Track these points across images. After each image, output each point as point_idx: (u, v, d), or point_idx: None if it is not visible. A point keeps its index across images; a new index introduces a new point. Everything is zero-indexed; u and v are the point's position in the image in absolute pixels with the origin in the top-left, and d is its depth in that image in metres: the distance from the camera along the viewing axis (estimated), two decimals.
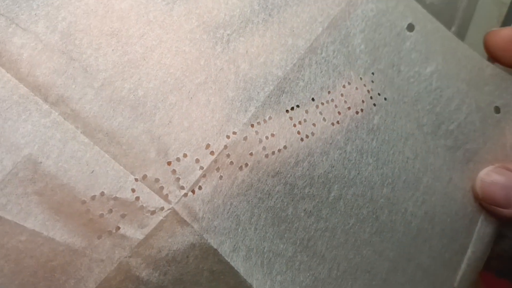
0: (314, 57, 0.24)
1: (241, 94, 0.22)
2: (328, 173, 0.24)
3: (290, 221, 0.23)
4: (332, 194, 0.24)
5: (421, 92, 0.29)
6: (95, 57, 0.20)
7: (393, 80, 0.28)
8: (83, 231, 0.19)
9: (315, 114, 0.24)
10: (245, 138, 0.22)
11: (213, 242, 0.20)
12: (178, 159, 0.20)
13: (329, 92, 0.25)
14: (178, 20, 0.22)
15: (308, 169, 0.23)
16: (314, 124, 0.24)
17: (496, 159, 0.31)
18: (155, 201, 0.20)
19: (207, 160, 0.20)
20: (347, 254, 0.25)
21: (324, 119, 0.24)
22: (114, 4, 0.21)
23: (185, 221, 0.20)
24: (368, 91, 0.26)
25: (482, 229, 0.32)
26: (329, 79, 0.25)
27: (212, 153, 0.21)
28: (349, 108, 0.26)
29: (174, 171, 0.20)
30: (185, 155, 0.20)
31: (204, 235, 0.20)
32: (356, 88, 0.26)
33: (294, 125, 0.23)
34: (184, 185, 0.20)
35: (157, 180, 0.20)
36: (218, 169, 0.21)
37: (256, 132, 0.22)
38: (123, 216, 0.19)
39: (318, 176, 0.24)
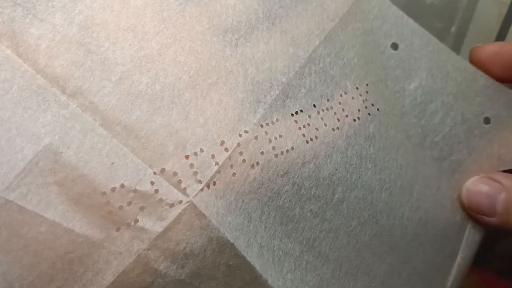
0: (313, 66, 0.25)
1: (250, 96, 0.22)
2: (332, 175, 0.25)
3: (297, 220, 0.23)
4: (336, 196, 0.25)
5: (406, 106, 0.31)
6: (112, 50, 0.20)
7: (383, 93, 0.29)
8: (102, 223, 0.19)
9: (317, 119, 0.25)
10: (256, 138, 0.22)
11: (229, 236, 0.20)
12: (195, 154, 0.20)
13: (328, 100, 0.26)
14: (190, 21, 0.22)
15: (314, 171, 0.24)
16: (317, 129, 0.25)
17: (482, 170, 0.33)
18: (174, 194, 0.20)
19: (222, 157, 0.21)
20: (349, 256, 0.26)
21: (325, 124, 0.25)
22: (130, 1, 0.21)
23: (203, 214, 0.20)
24: (363, 101, 0.28)
25: (470, 237, 0.33)
26: (328, 88, 0.26)
27: (226, 149, 0.21)
28: (346, 115, 0.27)
29: (192, 165, 0.20)
30: (201, 150, 0.20)
31: (221, 229, 0.20)
32: (352, 98, 0.27)
33: (299, 128, 0.24)
34: (201, 179, 0.20)
35: (175, 173, 0.20)
36: (232, 166, 0.21)
37: (266, 133, 0.23)
38: (142, 208, 0.19)
39: (323, 178, 0.25)
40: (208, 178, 0.20)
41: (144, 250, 0.19)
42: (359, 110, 0.27)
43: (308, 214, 0.24)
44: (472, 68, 0.33)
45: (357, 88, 0.27)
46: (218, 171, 0.21)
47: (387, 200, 0.28)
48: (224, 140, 0.21)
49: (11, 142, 0.18)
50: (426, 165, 0.31)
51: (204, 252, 0.20)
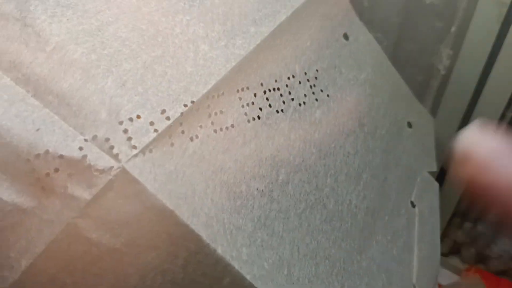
0: (271, 41, 0.25)
1: (200, 70, 0.22)
2: (275, 156, 0.25)
3: (244, 197, 0.23)
4: (280, 177, 0.25)
5: (360, 94, 0.31)
6: (48, 23, 0.20)
7: (336, 80, 0.30)
8: (31, 191, 0.18)
9: (262, 99, 0.25)
10: (197, 109, 0.22)
11: (169, 203, 0.19)
12: (131, 119, 0.20)
13: (276, 81, 0.26)
14: (136, 3, 0.22)
15: (255, 151, 0.24)
16: (260, 109, 0.25)
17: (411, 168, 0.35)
18: (104, 160, 0.19)
19: (162, 124, 0.20)
20: (304, 239, 0.25)
21: (270, 105, 0.25)
22: None
23: (137, 180, 0.19)
24: (311, 86, 0.28)
25: (419, 230, 0.33)
26: (277, 67, 0.26)
27: (168, 118, 0.20)
28: (292, 99, 0.27)
29: (126, 130, 0.19)
30: (138, 116, 0.20)
31: (158, 196, 0.19)
32: (300, 82, 0.27)
33: (242, 106, 0.24)
34: (136, 145, 0.19)
35: (107, 139, 0.19)
36: (170, 136, 0.21)
37: (208, 106, 0.22)
38: (70, 175, 0.19)
39: (266, 158, 0.24)
40: (144, 145, 0.19)
41: (74, 218, 0.19)
42: (305, 95, 0.27)
43: (255, 192, 0.23)
44: (396, 74, 0.35)
45: (305, 73, 0.28)
46: (155, 139, 0.20)
47: (333, 185, 0.28)
48: (165, 108, 0.20)
49: None
50: (375, 154, 0.31)
51: (139, 220, 0.19)
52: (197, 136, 0.22)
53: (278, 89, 0.26)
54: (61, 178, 0.19)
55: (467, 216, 0.54)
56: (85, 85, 0.20)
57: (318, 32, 0.29)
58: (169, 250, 0.20)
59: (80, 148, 0.19)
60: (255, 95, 0.25)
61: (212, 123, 0.22)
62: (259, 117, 0.24)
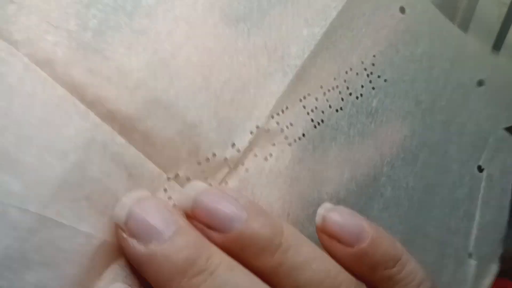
0: (326, 41, 0.26)
1: (261, 90, 0.23)
2: (338, 157, 0.26)
3: (316, 204, 0.24)
4: (345, 176, 0.26)
5: (416, 70, 0.31)
6: (127, 56, 0.20)
7: (393, 60, 0.30)
8: None
9: (323, 101, 0.26)
10: (267, 131, 0.23)
11: None
12: (207, 159, 0.21)
13: (334, 79, 0.26)
14: (202, 14, 0.22)
15: (322, 155, 0.25)
16: (323, 112, 0.26)
17: (482, 130, 0.35)
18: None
19: (235, 158, 0.22)
20: None
21: (330, 106, 0.26)
22: (141, 0, 0.21)
23: None
24: (368, 75, 0.28)
25: (485, 195, 0.34)
26: (335, 65, 0.26)
27: (238, 150, 0.22)
28: (350, 94, 0.27)
29: (203, 171, 0.21)
30: (214, 155, 0.21)
31: None
32: (357, 74, 0.28)
33: (308, 113, 0.25)
34: (211, 183, 0.21)
35: (188, 178, 0.21)
36: (243, 164, 0.22)
37: (277, 123, 0.23)
38: None
39: (331, 160, 0.26)
40: (219, 181, 0.21)
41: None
42: (362, 86, 0.28)
43: (325, 197, 0.25)
44: (461, 33, 0.34)
45: (362, 62, 0.28)
46: (229, 172, 0.22)
47: (389, 173, 0.29)
48: (235, 142, 0.22)
49: (41, 160, 0.18)
50: (433, 130, 0.32)
51: None
52: (271, 155, 0.23)
53: (337, 87, 0.26)
54: None
55: None
56: (168, 125, 0.20)
57: (373, 14, 0.28)
58: None
59: (165, 190, 0.20)
60: (316, 99, 0.25)
61: (286, 137, 0.23)
62: (322, 121, 0.25)
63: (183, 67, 0.21)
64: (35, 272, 0.19)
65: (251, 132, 0.22)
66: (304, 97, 0.25)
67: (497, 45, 0.42)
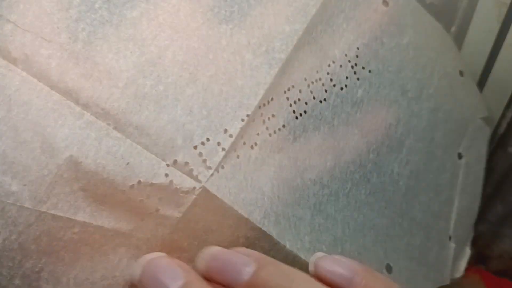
0: (307, 37, 0.27)
1: (249, 81, 0.24)
2: (321, 145, 0.27)
3: (301, 189, 0.26)
4: (328, 164, 0.28)
5: (402, 60, 0.32)
6: (116, 59, 0.22)
7: (378, 52, 0.31)
8: (128, 216, 0.22)
9: (307, 93, 0.27)
10: (253, 120, 0.24)
11: (243, 212, 0.23)
12: (202, 143, 0.23)
13: (317, 72, 0.28)
14: (185, 20, 0.24)
15: (305, 144, 0.26)
16: (306, 103, 0.27)
17: (465, 118, 0.36)
18: (187, 182, 0.22)
19: (227, 142, 0.23)
20: (352, 215, 0.28)
21: (314, 98, 0.27)
22: (126, 14, 0.23)
23: (216, 196, 0.22)
24: (352, 67, 0.29)
25: (463, 181, 0.35)
26: (317, 59, 0.28)
27: (230, 136, 0.23)
28: (334, 85, 0.28)
29: (200, 154, 0.22)
30: (208, 139, 0.23)
31: (234, 207, 0.23)
32: (341, 66, 0.29)
33: (290, 105, 0.26)
34: (210, 165, 0.22)
35: (186, 163, 0.22)
36: (235, 150, 0.23)
37: (261, 114, 0.25)
38: (160, 199, 0.22)
39: (314, 148, 0.27)
40: (217, 164, 0.23)
41: (168, 233, 0.22)
42: (347, 78, 0.29)
43: (309, 182, 0.26)
44: (440, 27, 0.35)
45: (346, 55, 0.29)
46: (225, 156, 0.23)
47: (375, 160, 0.30)
48: (227, 128, 0.23)
49: (36, 161, 0.20)
50: (420, 118, 0.33)
51: (221, 228, 0.23)
52: (256, 144, 0.24)
53: (320, 79, 0.28)
54: (153, 202, 0.22)
55: None
56: (160, 116, 0.22)
57: (353, 10, 0.30)
58: None
59: (166, 175, 0.22)
60: (300, 91, 0.27)
61: (267, 128, 0.25)
62: (305, 112, 0.27)
63: (170, 66, 0.23)
64: (33, 260, 0.21)
65: (242, 120, 0.24)
66: (289, 89, 0.26)
67: (497, 45, 0.42)
